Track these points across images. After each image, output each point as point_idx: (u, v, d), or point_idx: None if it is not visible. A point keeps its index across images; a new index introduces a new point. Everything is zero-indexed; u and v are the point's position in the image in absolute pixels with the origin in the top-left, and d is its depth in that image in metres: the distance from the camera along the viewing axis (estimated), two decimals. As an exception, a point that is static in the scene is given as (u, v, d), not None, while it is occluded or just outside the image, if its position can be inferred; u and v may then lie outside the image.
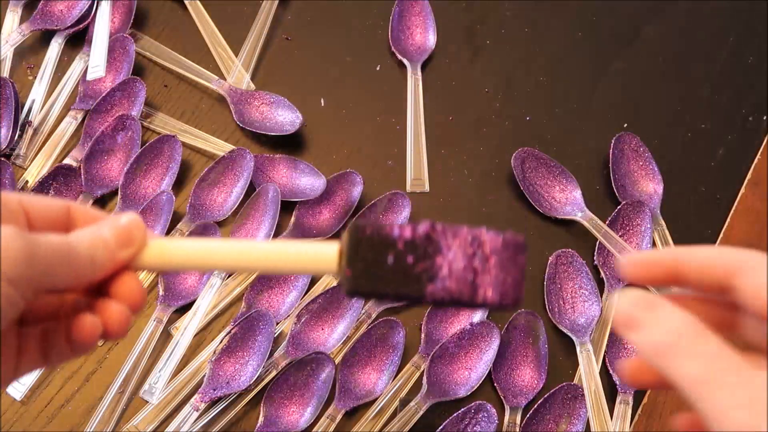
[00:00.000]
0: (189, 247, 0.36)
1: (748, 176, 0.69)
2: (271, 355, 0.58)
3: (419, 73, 0.70)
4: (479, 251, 0.34)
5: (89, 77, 0.66)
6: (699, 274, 0.32)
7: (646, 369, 0.35)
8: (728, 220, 0.67)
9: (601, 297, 0.62)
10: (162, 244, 0.36)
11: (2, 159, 0.61)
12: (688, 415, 0.35)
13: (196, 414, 0.55)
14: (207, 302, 0.59)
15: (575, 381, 0.59)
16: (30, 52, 0.69)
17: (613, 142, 0.67)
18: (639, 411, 0.60)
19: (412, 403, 0.57)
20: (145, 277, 0.60)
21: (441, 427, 0.56)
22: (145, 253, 0.35)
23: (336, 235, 0.63)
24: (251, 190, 0.63)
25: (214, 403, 0.56)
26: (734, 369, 0.28)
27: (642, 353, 0.31)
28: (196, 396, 0.56)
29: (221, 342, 0.57)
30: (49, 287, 0.32)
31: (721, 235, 0.66)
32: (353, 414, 0.58)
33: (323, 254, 0.35)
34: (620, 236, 0.64)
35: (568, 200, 0.66)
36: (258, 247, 0.36)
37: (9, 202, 0.33)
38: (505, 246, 0.34)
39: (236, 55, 0.69)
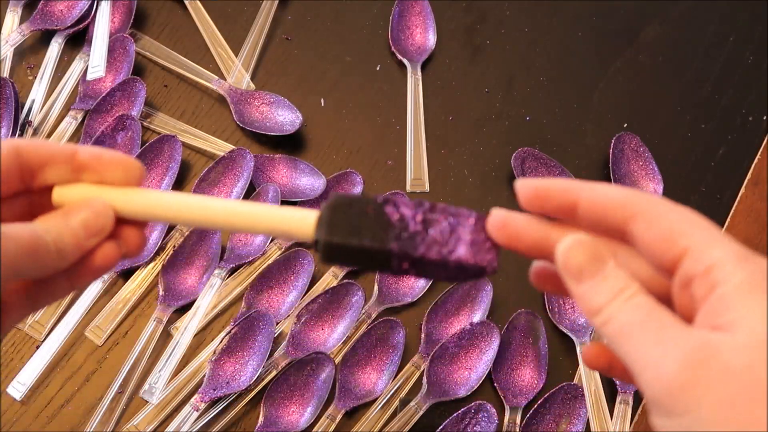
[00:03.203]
0: (167, 200, 0.36)
1: (748, 176, 0.69)
2: (271, 355, 0.58)
3: (419, 73, 0.70)
4: (455, 219, 0.34)
5: (89, 77, 0.66)
6: (594, 211, 0.32)
7: (602, 353, 0.36)
8: (728, 220, 0.67)
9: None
10: (140, 195, 0.36)
11: (2, 159, 0.61)
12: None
13: (196, 414, 0.55)
14: (207, 302, 0.59)
15: (575, 381, 0.59)
16: (30, 52, 0.69)
17: (613, 142, 0.67)
18: (639, 411, 0.60)
19: (412, 403, 0.57)
20: (144, 278, 0.60)
21: (441, 427, 0.56)
22: (123, 204, 0.35)
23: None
24: (251, 190, 0.63)
25: (214, 403, 0.56)
26: (664, 325, 0.29)
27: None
28: (196, 396, 0.56)
29: (221, 342, 0.57)
30: (15, 277, 0.32)
31: (721, 235, 0.66)
32: (353, 414, 0.58)
33: (301, 218, 0.34)
34: (620, 236, 0.64)
35: (568, 200, 0.66)
36: (237, 208, 0.35)
37: None
38: (479, 218, 0.34)
39: (236, 55, 0.69)
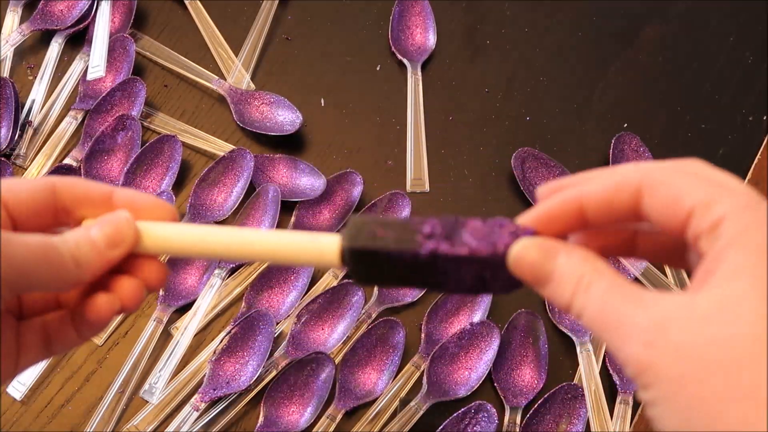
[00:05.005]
0: (189, 234, 0.35)
1: (748, 176, 0.69)
2: (271, 355, 0.58)
3: (419, 73, 0.70)
4: (497, 227, 0.34)
5: (89, 77, 0.66)
6: (602, 207, 0.30)
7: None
8: (728, 220, 0.67)
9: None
10: (160, 230, 0.35)
11: (2, 159, 0.61)
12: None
13: (196, 414, 0.55)
14: (207, 302, 0.59)
15: (575, 381, 0.59)
16: (30, 52, 0.69)
17: (613, 142, 0.67)
18: (639, 411, 0.60)
19: (412, 403, 0.57)
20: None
21: (441, 427, 0.56)
22: (144, 240, 0.34)
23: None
24: (251, 190, 0.63)
25: (214, 403, 0.56)
26: (622, 305, 0.27)
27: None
28: (196, 396, 0.56)
29: (221, 342, 0.57)
30: (29, 289, 0.31)
31: (721, 235, 0.66)
32: (353, 414, 0.58)
33: (324, 248, 0.34)
34: (620, 236, 0.64)
35: (568, 200, 0.66)
36: (258, 238, 0.35)
37: None
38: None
39: (236, 55, 0.69)
